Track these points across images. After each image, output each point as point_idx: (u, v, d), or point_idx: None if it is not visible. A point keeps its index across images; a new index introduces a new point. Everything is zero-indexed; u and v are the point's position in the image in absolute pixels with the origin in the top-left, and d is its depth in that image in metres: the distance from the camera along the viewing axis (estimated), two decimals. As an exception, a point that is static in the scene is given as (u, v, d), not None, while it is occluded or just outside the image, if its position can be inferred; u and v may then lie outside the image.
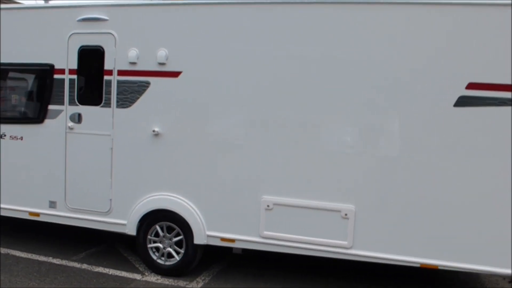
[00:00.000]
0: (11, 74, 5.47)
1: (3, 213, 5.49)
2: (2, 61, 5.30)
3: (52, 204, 5.28)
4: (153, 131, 4.79)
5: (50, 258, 5.32)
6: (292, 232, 4.51)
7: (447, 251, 4.20)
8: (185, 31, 4.68)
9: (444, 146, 4.15)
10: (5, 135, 5.41)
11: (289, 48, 4.43)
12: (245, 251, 4.91)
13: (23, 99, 5.50)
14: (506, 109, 4.02)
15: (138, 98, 4.85)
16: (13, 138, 5.38)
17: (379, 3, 4.19)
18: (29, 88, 5.42)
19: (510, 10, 3.94)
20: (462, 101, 4.09)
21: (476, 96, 4.07)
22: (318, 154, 4.44)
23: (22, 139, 5.34)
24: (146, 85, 4.82)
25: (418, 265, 4.28)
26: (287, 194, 4.51)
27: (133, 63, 4.83)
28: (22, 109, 5.52)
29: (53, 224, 5.35)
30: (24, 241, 5.78)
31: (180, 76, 4.72)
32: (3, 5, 5.24)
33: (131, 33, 4.85)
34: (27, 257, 5.32)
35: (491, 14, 4.02)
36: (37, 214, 5.35)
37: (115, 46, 4.89)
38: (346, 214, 4.36)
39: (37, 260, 5.25)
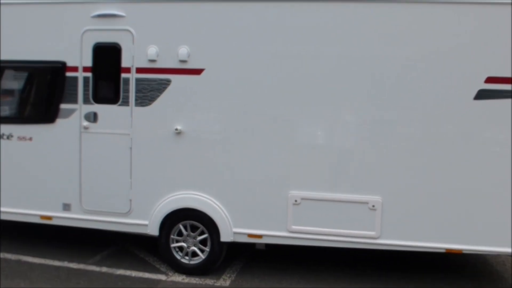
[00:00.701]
0: (19, 72, 5.24)
1: (12, 218, 5.27)
2: (10, 58, 5.07)
3: (66, 207, 5.12)
4: (176, 129, 4.74)
5: (66, 262, 5.16)
6: (320, 225, 4.60)
7: (469, 235, 4.42)
8: (207, 28, 4.66)
9: (465, 137, 4.37)
10: (12, 136, 5.19)
11: (310, 47, 4.51)
12: (269, 246, 4.96)
13: (32, 98, 5.28)
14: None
15: (158, 96, 4.79)
16: (21, 139, 5.16)
17: (408, 2, 4.33)
18: (38, 87, 5.21)
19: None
20: (482, 94, 4.31)
21: (495, 90, 4.30)
22: (344, 149, 4.55)
23: (31, 139, 5.14)
24: (167, 82, 4.76)
25: (444, 251, 4.48)
26: (315, 189, 4.60)
27: (153, 61, 4.76)
28: (31, 108, 5.29)
29: (54, 227, 5.21)
30: (32, 246, 5.57)
31: (203, 73, 4.69)
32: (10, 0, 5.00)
33: (150, 30, 4.77)
34: (40, 262, 5.14)
35: (507, 12, 4.25)
36: (50, 218, 5.17)
37: (133, 43, 4.80)
38: (373, 206, 4.50)
39: (53, 265, 5.08)
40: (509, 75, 4.28)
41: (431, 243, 4.48)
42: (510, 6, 4.23)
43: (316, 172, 4.60)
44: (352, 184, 4.55)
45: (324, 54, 4.48)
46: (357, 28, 4.41)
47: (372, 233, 4.52)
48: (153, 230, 4.90)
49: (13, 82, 5.30)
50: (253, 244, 4.97)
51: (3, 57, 5.08)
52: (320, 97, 4.52)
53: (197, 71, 4.70)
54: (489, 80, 4.30)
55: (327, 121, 4.58)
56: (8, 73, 5.24)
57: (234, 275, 4.96)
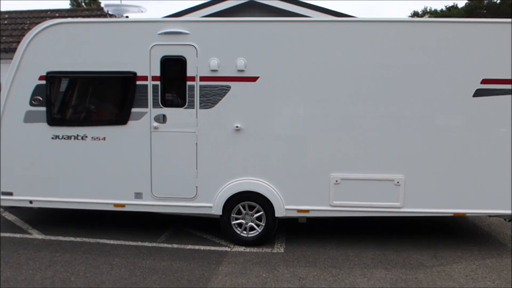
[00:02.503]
0: (94, 81, 6.06)
1: (87, 207, 6.12)
2: (88, 69, 5.89)
3: (138, 195, 6.02)
4: (236, 127, 5.76)
5: (139, 242, 6.07)
6: (356, 200, 5.77)
7: (472, 202, 5.71)
8: (260, 43, 5.69)
9: (467, 125, 5.64)
10: (86, 137, 6.02)
11: (343, 60, 5.66)
12: (309, 220, 6.10)
13: (106, 103, 6.14)
14: (507, 97, 5.59)
15: (219, 99, 5.78)
16: (95, 139, 6.01)
17: (420, 22, 5.55)
18: (112, 93, 6.07)
19: (510, 26, 5.49)
20: (478, 93, 5.59)
21: (488, 89, 5.59)
22: (373, 137, 5.72)
23: (104, 139, 6.00)
24: (227, 88, 5.76)
25: (452, 215, 5.77)
26: (351, 170, 5.76)
27: (214, 70, 5.73)
28: (105, 112, 6.15)
29: (108, 215, 6.23)
30: (98, 231, 6.41)
31: (258, 80, 5.72)
32: (94, 19, 5.82)
33: (211, 45, 5.74)
34: (118, 243, 6.01)
35: (497, 29, 5.54)
36: (123, 205, 6.07)
37: (196, 56, 5.75)
38: (398, 182, 5.71)
39: (130, 245, 5.97)
40: (498, 77, 5.58)
41: (442, 209, 5.75)
42: (497, 25, 5.54)
43: (352, 157, 5.75)
44: (380, 166, 5.74)
45: (353, 64, 5.64)
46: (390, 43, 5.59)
47: (397, 204, 5.74)
48: (217, 210, 5.91)
49: (88, 90, 6.11)
50: (296, 219, 6.09)
51: (81, 69, 5.90)
52: (348, 98, 5.67)
53: (253, 79, 5.73)
54: (484, 81, 5.58)
55: (358, 118, 5.72)
56: (83, 82, 6.06)
57: (283, 244, 6.05)
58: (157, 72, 5.82)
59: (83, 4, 37.93)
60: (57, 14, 15.83)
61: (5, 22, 15.21)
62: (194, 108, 5.81)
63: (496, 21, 5.65)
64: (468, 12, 43.11)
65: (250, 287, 4.73)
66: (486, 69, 5.57)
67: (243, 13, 12.76)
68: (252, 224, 5.97)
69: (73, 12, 16.62)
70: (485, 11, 42.31)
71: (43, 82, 5.97)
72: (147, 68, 5.83)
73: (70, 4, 36.43)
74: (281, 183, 5.84)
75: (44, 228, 6.54)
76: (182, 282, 4.81)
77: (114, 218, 6.86)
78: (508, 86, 5.58)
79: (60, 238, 6.17)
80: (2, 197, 6.21)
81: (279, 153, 5.81)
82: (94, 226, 6.66)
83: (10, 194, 6.20)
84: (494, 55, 5.54)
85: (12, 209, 7.45)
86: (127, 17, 6.57)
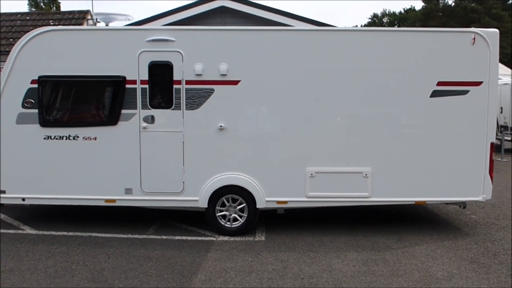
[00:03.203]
0: (86, 85, 6.45)
1: (80, 203, 6.51)
2: (79, 73, 6.28)
3: (128, 191, 6.45)
4: (220, 126, 6.28)
5: (129, 234, 6.50)
6: (329, 191, 6.40)
7: (431, 191, 6.43)
8: (242, 49, 6.24)
9: (426, 122, 6.36)
10: (77, 137, 6.40)
11: (315, 64, 6.28)
12: (287, 211, 6.69)
13: (97, 106, 6.54)
14: (461, 97, 6.33)
15: (204, 101, 6.29)
16: (86, 139, 6.40)
17: (398, 31, 6.23)
18: (102, 96, 6.47)
19: (472, 35, 6.22)
20: (435, 94, 6.31)
21: (443, 90, 6.33)
22: (343, 135, 6.37)
23: (95, 139, 6.40)
24: (211, 91, 6.27)
25: (413, 203, 6.48)
26: (324, 164, 6.38)
27: (199, 75, 6.24)
28: (96, 113, 6.55)
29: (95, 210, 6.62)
30: (87, 225, 6.80)
31: (239, 83, 6.27)
32: (86, 26, 6.21)
33: (196, 51, 6.24)
34: (109, 236, 6.41)
35: (455, 38, 6.28)
36: (113, 201, 6.48)
37: (182, 62, 6.24)
38: (366, 174, 6.37)
39: (121, 237, 6.39)
40: (453, 80, 6.32)
41: (405, 198, 6.45)
42: (455, 34, 6.30)
43: (324, 152, 6.37)
44: (350, 160, 6.39)
45: (325, 68, 6.26)
46: (362, 51, 6.24)
47: (365, 194, 6.40)
48: (203, 203, 6.41)
49: (79, 93, 6.50)
50: (275, 210, 6.67)
51: (73, 73, 6.28)
52: (319, 99, 6.29)
53: (235, 82, 6.27)
54: (440, 83, 6.30)
55: (333, 116, 6.36)
56: (74, 85, 6.45)
57: (264, 233, 6.61)
58: (145, 76, 6.28)
59: (41, 4, 37.39)
60: (27, 17, 15.93)
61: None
62: (180, 109, 6.30)
63: (457, 30, 6.40)
64: (424, 14, 44.94)
65: (238, 269, 5.26)
66: (441, 72, 6.29)
67: (215, 18, 13.28)
68: (235, 215, 6.50)
69: (44, 15, 16.69)
70: (440, 14, 44.20)
71: (35, 85, 6.32)
72: (136, 72, 6.27)
73: (28, 5, 35.88)
74: (262, 177, 6.40)
75: (36, 224, 6.87)
76: (176, 268, 5.30)
77: (100, 214, 7.26)
78: (461, 88, 6.32)
79: (53, 233, 6.53)
80: (-5, 195, 6.52)
81: (259, 149, 6.37)
82: (82, 221, 7.03)
83: (3, 192, 6.51)
84: (449, 60, 6.27)
85: (-1, 208, 7.72)
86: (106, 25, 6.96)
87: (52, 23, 15.00)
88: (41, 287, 4.76)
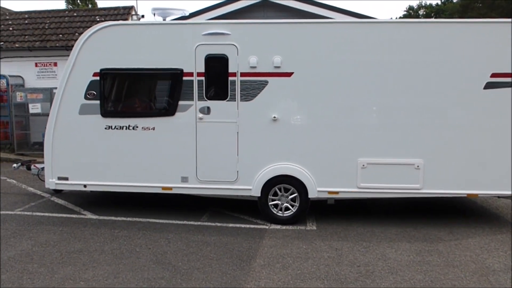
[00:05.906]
0: (144, 77, 6.73)
1: (138, 190, 6.80)
2: (139, 66, 6.56)
3: (184, 179, 6.71)
4: (274, 117, 6.44)
5: (185, 221, 6.75)
6: (381, 182, 6.47)
7: (483, 184, 6.41)
8: (295, 42, 6.37)
9: (479, 114, 6.33)
10: (137, 127, 6.69)
11: (369, 57, 6.34)
12: (337, 202, 6.81)
13: (155, 97, 6.82)
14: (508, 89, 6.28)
15: (258, 93, 6.46)
16: (144, 129, 6.68)
17: (439, 22, 6.25)
18: (161, 88, 6.74)
19: (510, 26, 6.18)
20: (488, 85, 6.28)
21: (497, 82, 6.29)
22: (395, 126, 6.41)
23: (154, 129, 6.67)
24: (265, 83, 6.44)
25: (465, 195, 6.48)
26: (376, 156, 6.45)
27: (254, 67, 6.41)
28: (154, 105, 6.83)
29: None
30: (145, 212, 7.09)
31: (293, 75, 6.41)
32: (143, 20, 6.47)
33: (251, 44, 6.42)
34: (167, 222, 6.69)
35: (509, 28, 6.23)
36: (170, 188, 6.75)
37: (237, 54, 6.42)
38: (417, 166, 6.41)
39: (178, 223, 6.65)
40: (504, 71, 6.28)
41: (457, 190, 6.45)
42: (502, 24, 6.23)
43: (377, 144, 6.44)
44: (403, 152, 6.44)
45: (377, 60, 6.32)
46: (397, 44, 6.28)
47: (417, 185, 6.44)
48: (256, 192, 6.60)
49: (139, 85, 6.79)
50: (325, 201, 6.79)
51: (132, 66, 6.57)
52: (373, 91, 6.35)
53: (288, 74, 6.41)
54: (494, 75, 6.27)
55: (385, 108, 6.42)
56: (134, 78, 6.73)
57: (314, 223, 6.75)
58: (201, 69, 6.50)
59: (78, 1, 38.33)
60: (75, 14, 16.50)
61: (26, 22, 15.84)
62: (235, 100, 6.49)
63: (504, 21, 6.34)
64: (463, 5, 43.69)
65: (294, 255, 5.42)
66: (495, 64, 6.25)
67: (256, 12, 13.46)
68: (287, 204, 6.66)
69: (90, 11, 17.27)
70: (480, 5, 42.90)
71: (97, 78, 6.65)
72: (193, 65, 6.50)
73: (65, 4, 36.87)
74: (314, 168, 6.53)
75: (95, 210, 7.22)
76: (234, 252, 5.50)
77: (150, 201, 7.55)
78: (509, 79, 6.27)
79: (113, 218, 6.85)
80: (58, 181, 6.89)
81: (311, 140, 6.50)
82: (137, 208, 7.33)
83: (66, 179, 6.88)
84: (502, 51, 6.22)
85: (59, 194, 8.13)
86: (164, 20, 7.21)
87: (98, 19, 15.48)
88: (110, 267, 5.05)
